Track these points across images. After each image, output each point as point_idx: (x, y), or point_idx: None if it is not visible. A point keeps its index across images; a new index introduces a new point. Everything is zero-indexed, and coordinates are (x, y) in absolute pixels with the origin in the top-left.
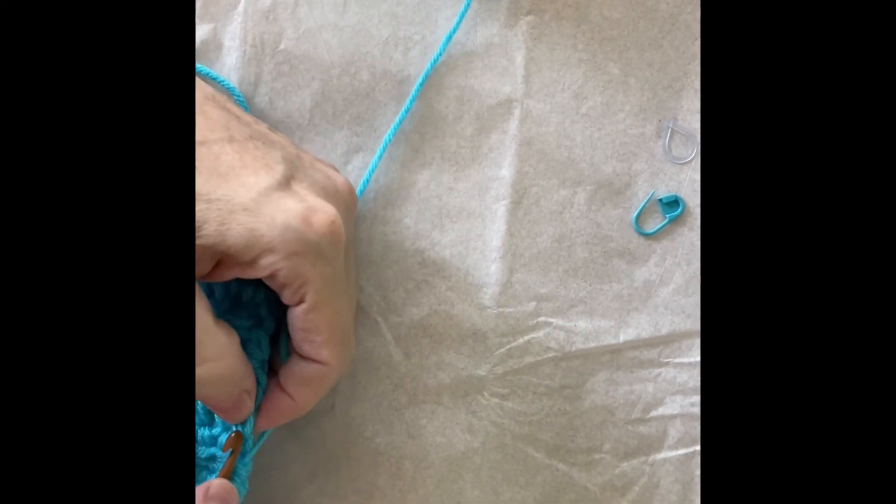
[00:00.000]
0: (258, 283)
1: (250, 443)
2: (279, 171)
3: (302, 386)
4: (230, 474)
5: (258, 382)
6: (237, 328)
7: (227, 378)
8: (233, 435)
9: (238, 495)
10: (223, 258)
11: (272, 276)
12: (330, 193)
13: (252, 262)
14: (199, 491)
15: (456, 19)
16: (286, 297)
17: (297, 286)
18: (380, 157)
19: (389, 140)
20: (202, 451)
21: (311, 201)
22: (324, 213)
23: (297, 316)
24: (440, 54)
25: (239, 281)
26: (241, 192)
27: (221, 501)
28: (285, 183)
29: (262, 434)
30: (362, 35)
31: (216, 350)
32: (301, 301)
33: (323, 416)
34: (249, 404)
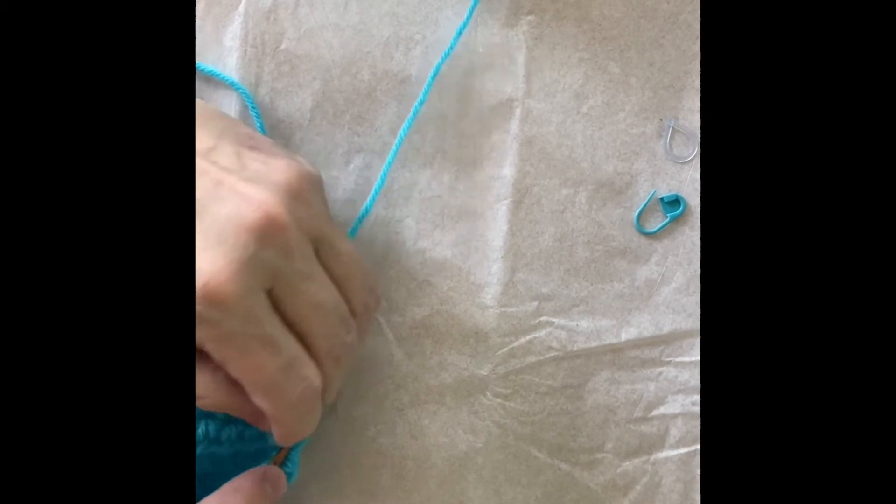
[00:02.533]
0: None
1: (295, 455)
2: None
3: (271, 422)
4: (281, 462)
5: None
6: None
7: (227, 409)
8: (281, 452)
9: (286, 481)
10: None
11: None
12: (227, 234)
13: None
14: (256, 474)
15: (465, 15)
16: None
17: (200, 345)
18: (390, 163)
19: (399, 144)
20: (250, 447)
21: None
22: (197, 275)
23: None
24: (450, 50)
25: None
26: None
27: (274, 485)
28: None
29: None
30: (363, 35)
31: (199, 390)
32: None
33: (325, 416)
34: (268, 422)
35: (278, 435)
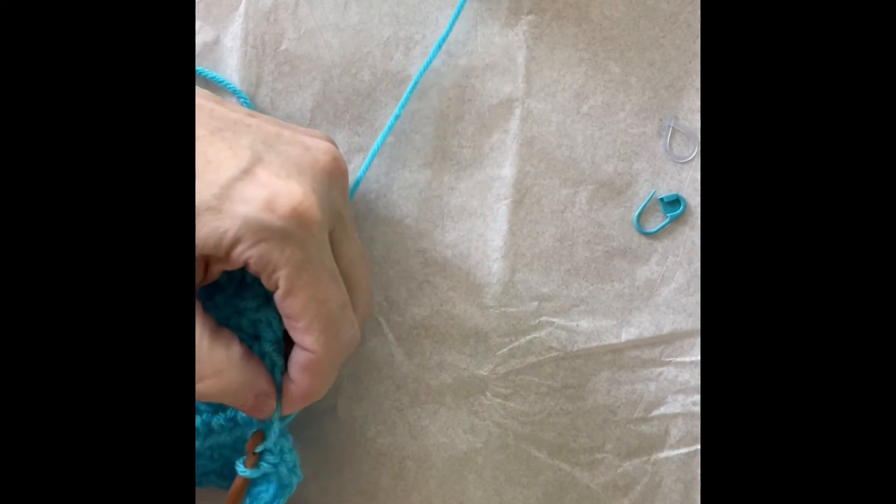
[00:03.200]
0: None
1: (274, 432)
2: (244, 157)
3: (299, 373)
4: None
5: (274, 364)
6: (246, 310)
7: (233, 390)
8: (255, 433)
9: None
10: (206, 259)
11: (246, 265)
12: (305, 168)
13: (226, 257)
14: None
15: (448, 22)
16: (265, 285)
17: (269, 273)
18: (374, 155)
19: (384, 139)
20: (223, 438)
21: (273, 186)
22: (287, 195)
23: (277, 302)
24: (431, 58)
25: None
26: (204, 191)
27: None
28: (249, 170)
29: (285, 419)
30: (363, 35)
31: (213, 367)
32: (276, 287)
33: (325, 416)
34: (271, 403)
35: (300, 393)
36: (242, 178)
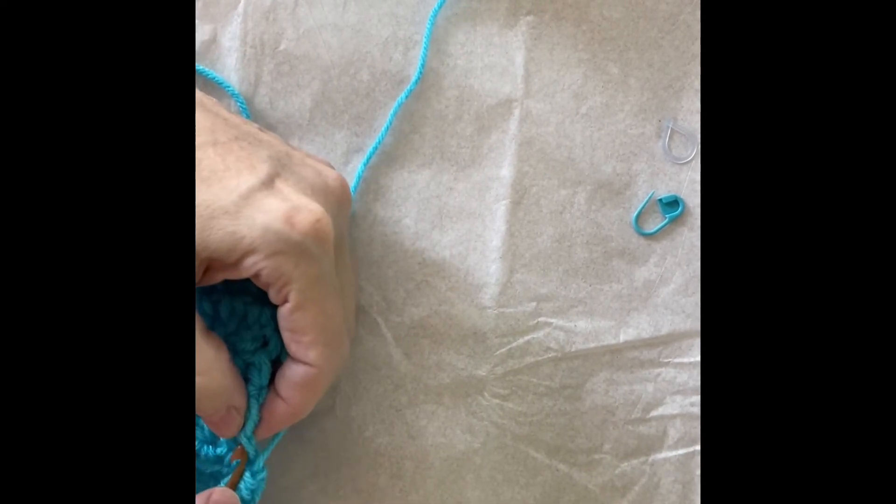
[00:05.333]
0: (265, 302)
1: (253, 452)
2: (263, 170)
3: (293, 389)
4: (236, 485)
5: (249, 407)
6: (242, 352)
7: (214, 392)
8: (239, 447)
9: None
10: (210, 263)
11: (256, 276)
12: (318, 191)
13: (236, 264)
14: (201, 498)
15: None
16: (272, 297)
17: (281, 285)
18: (371, 156)
19: (381, 139)
20: (206, 468)
21: (294, 200)
22: (308, 211)
23: (283, 316)
24: (429, 33)
25: (245, 300)
26: (223, 195)
27: None
28: (269, 182)
29: (272, 439)
30: (362, 35)
31: (203, 364)
32: (286, 300)
33: (323, 416)
34: (238, 420)
35: (290, 412)
36: (263, 189)
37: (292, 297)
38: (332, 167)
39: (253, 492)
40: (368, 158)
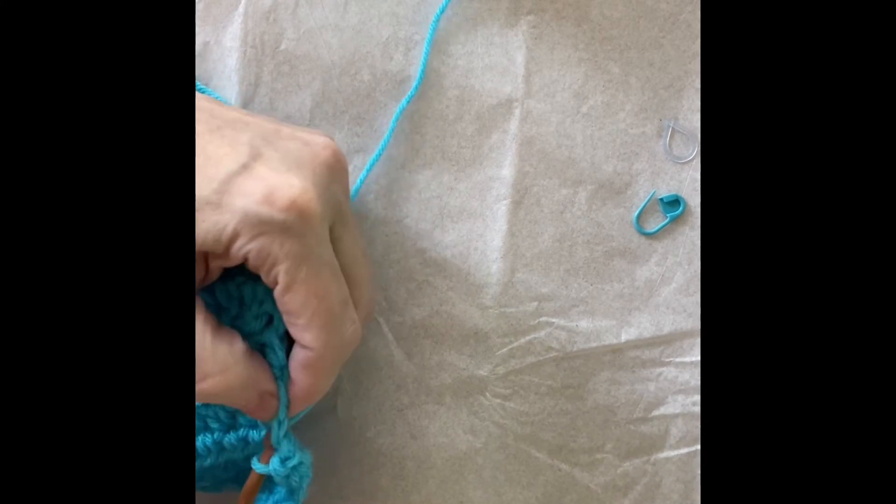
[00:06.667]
0: (257, 278)
1: (278, 437)
2: (243, 153)
3: (299, 371)
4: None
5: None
6: (250, 334)
7: (237, 387)
8: (267, 433)
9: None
10: (205, 257)
11: (245, 260)
12: (305, 164)
13: (226, 252)
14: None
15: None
16: (265, 280)
17: (269, 267)
18: (372, 164)
19: (384, 146)
20: (235, 455)
21: (272, 179)
22: (286, 188)
23: (277, 298)
24: (432, 32)
25: (238, 281)
26: (204, 186)
27: None
28: (248, 165)
29: (290, 421)
30: (363, 35)
31: (217, 364)
32: (276, 282)
33: (325, 416)
34: (274, 403)
35: (301, 392)
36: (241, 172)
37: (281, 278)
38: (325, 136)
39: (291, 478)
40: (371, 166)
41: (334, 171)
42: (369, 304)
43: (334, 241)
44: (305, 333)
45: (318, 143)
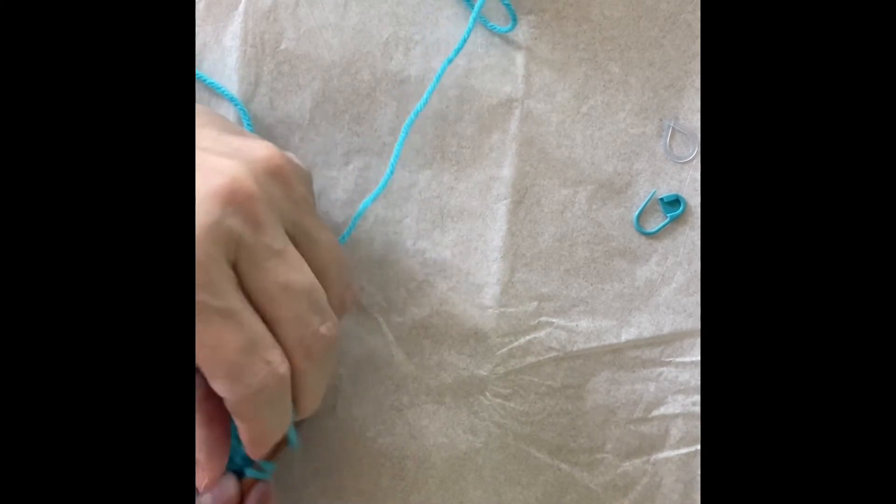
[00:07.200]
0: None
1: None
2: None
3: (234, 417)
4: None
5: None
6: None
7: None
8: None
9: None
10: None
11: None
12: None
13: None
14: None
15: (459, 41)
16: None
17: None
18: (393, 166)
19: (400, 147)
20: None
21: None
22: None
23: None
24: (457, 52)
25: None
26: None
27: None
28: None
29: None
30: (363, 35)
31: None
32: None
33: (324, 416)
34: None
35: (245, 438)
36: None
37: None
38: (231, 159)
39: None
40: (381, 189)
41: (229, 203)
42: (342, 304)
43: (240, 277)
44: (213, 383)
45: (222, 170)
